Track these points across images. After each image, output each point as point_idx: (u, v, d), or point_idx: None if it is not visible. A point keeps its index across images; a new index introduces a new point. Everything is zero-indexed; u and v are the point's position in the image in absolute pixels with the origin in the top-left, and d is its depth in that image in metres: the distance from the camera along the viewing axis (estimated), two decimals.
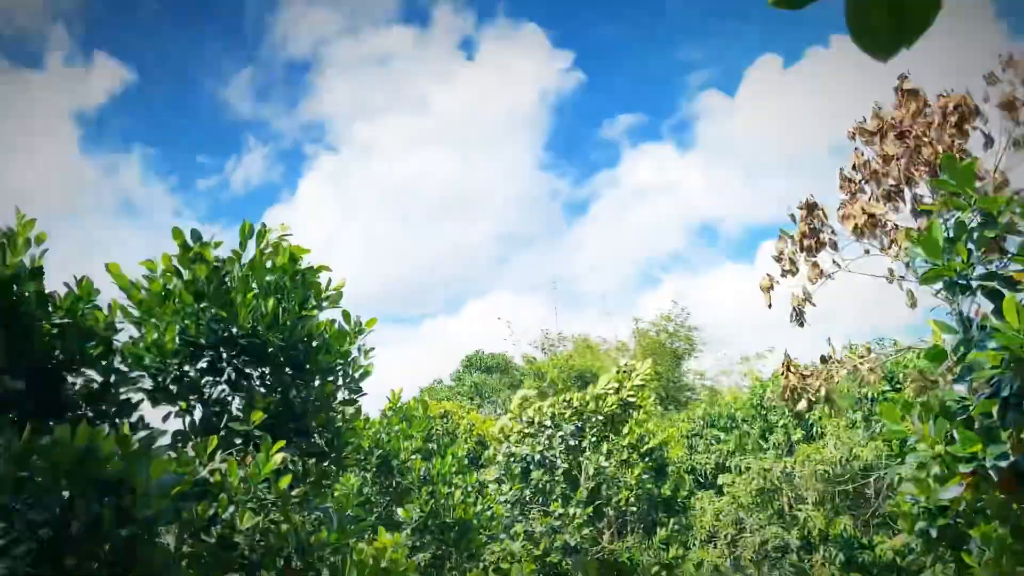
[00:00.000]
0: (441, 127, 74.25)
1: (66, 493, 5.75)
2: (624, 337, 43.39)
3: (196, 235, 7.96)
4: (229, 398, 8.34)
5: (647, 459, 21.50)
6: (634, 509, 21.65)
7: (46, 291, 7.08)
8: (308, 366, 8.46)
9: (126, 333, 8.04)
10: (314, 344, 8.58)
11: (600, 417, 21.56)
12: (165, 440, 8.18)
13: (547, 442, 21.46)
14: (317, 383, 8.51)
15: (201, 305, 8.08)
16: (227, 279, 8.03)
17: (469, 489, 14.52)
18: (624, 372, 22.88)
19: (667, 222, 73.72)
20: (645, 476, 21.05)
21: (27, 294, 6.70)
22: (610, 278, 72.94)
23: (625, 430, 21.46)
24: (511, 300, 68.25)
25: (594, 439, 21.52)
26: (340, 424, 8.75)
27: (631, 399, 22.25)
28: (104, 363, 7.64)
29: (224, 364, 8.34)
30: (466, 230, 74.70)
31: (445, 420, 24.08)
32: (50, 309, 7.14)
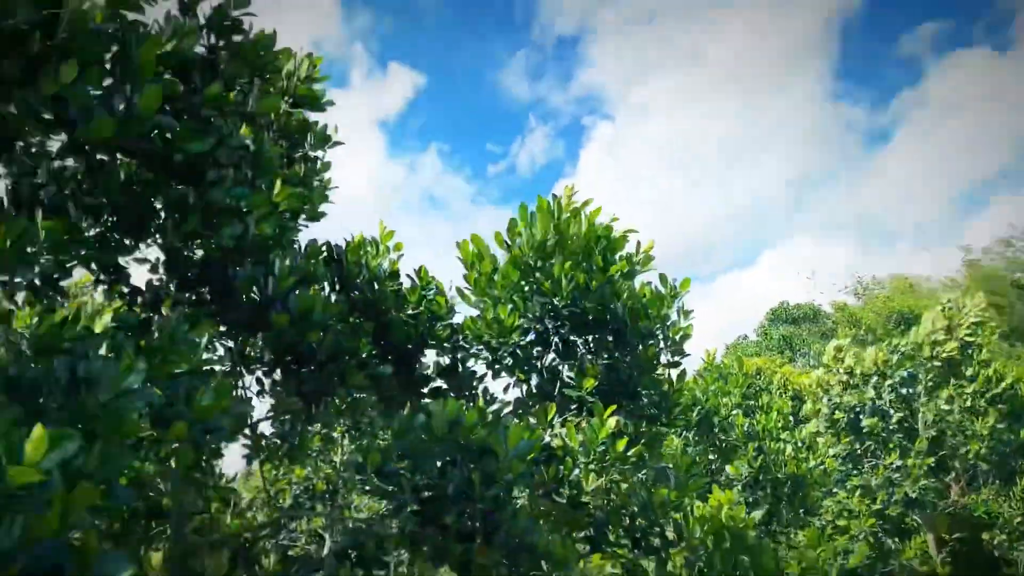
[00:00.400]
0: (716, 76, 71.74)
1: (439, 461, 6.49)
2: (951, 271, 38.98)
3: (529, 215, 8.53)
4: (559, 367, 8.81)
5: (998, 404, 19.13)
6: (984, 464, 19.43)
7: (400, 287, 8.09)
8: (628, 331, 8.67)
9: (462, 311, 8.88)
10: (631, 309, 8.77)
11: (936, 363, 19.57)
12: (507, 409, 8.91)
13: (874, 392, 19.97)
14: (640, 348, 8.69)
15: (525, 280, 8.63)
16: (549, 254, 8.49)
17: (799, 444, 14.03)
18: (951, 310, 20.51)
19: (990, 136, 64.87)
20: (1000, 426, 18.73)
21: (386, 291, 7.66)
22: (926, 208, 65.95)
23: (969, 373, 19.28)
24: (810, 245, 64.21)
25: (930, 384, 19.63)
26: (667, 387, 8.87)
27: (969, 339, 19.91)
28: (449, 343, 8.48)
29: (550, 335, 8.83)
30: (754, 178, 71.64)
31: (758, 376, 23.37)
32: (402, 303, 8.09)
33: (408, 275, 8.45)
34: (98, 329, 5.09)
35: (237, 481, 9.57)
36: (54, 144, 5.55)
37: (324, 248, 7.63)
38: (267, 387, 8.47)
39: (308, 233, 8.43)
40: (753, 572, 10.39)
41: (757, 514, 12.90)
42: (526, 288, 8.72)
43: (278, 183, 6.51)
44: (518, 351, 8.62)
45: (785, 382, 26.83)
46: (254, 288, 6.66)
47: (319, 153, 7.55)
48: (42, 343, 4.07)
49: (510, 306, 8.44)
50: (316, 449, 15.29)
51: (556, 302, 8.56)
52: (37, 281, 5.95)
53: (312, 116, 7.79)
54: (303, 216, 7.52)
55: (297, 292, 6.58)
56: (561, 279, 8.33)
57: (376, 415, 9.40)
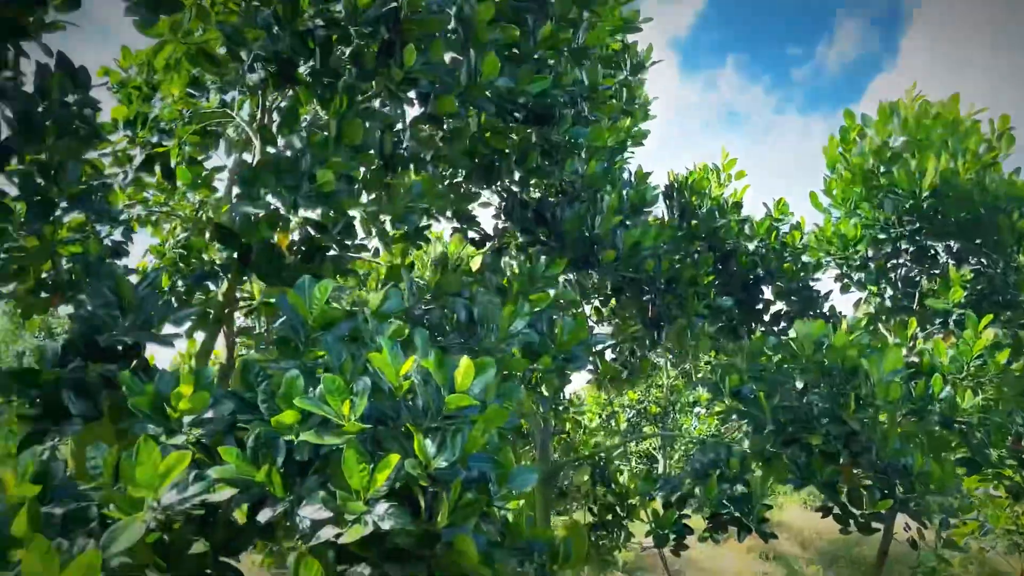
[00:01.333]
0: None
1: (800, 382, 6.25)
2: None
3: (867, 119, 7.82)
4: (917, 278, 8.05)
5: None
6: None
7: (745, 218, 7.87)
8: (1002, 230, 7.64)
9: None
10: (997, 206, 7.72)
11: None
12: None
13: None
14: (1017, 249, 7.64)
15: (868, 188, 7.94)
16: (894, 156, 7.72)
17: None
18: None
19: None
20: None
21: (730, 222, 7.47)
22: None
23: None
24: None
25: None
26: None
27: None
28: (798, 280, 8.12)
29: (904, 244, 8.08)
30: None
31: None
32: (748, 233, 7.84)
33: (764, 203, 8.19)
34: (473, 269, 5.56)
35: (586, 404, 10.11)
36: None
37: (666, 178, 7.66)
38: (605, 315, 8.76)
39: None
40: None
41: None
42: (872, 197, 8.01)
43: (605, 118, 6.56)
44: (869, 264, 7.99)
45: None
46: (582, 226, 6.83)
47: (641, 75, 7.48)
48: (442, 287, 4.52)
49: (852, 219, 7.82)
50: (647, 374, 15.63)
51: (915, 197, 7.69)
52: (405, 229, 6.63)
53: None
54: (629, 143, 7.55)
55: (625, 227, 6.63)
56: (926, 168, 7.46)
57: (700, 341, 9.32)
